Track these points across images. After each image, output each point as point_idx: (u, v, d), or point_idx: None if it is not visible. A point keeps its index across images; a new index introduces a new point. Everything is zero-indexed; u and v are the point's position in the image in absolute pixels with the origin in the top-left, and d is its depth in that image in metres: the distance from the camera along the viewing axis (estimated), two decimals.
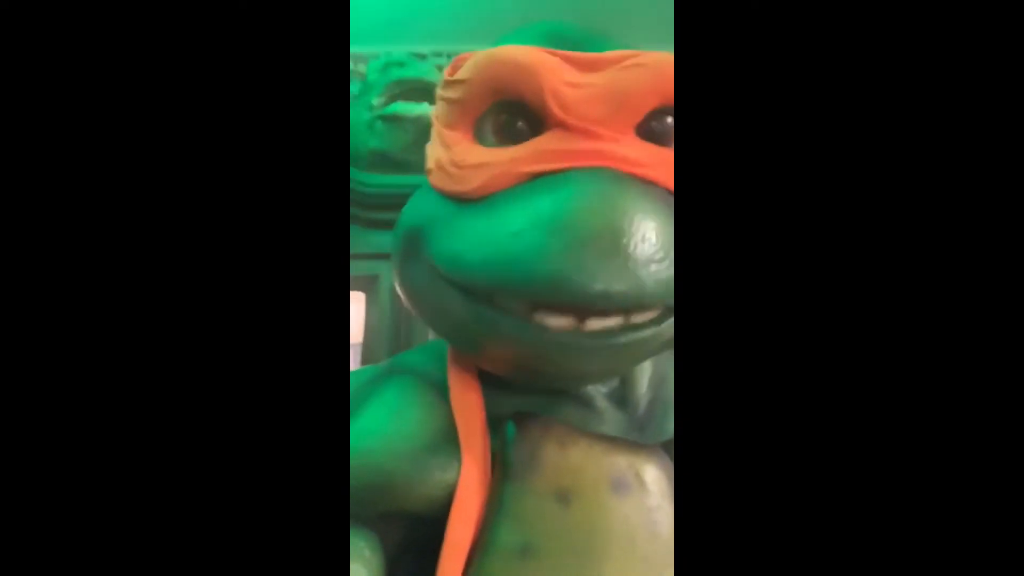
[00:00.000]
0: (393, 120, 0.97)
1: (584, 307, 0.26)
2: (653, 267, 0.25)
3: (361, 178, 0.93)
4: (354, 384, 0.33)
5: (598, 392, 0.33)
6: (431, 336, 0.49)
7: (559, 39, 0.30)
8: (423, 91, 1.00)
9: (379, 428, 0.30)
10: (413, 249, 0.30)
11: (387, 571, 0.30)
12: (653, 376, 0.34)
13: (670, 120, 0.29)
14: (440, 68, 1.03)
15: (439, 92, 0.31)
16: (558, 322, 0.26)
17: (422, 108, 0.98)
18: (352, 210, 0.91)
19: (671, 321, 0.28)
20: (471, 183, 0.28)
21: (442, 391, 0.32)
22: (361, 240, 0.89)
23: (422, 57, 1.06)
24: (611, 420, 0.32)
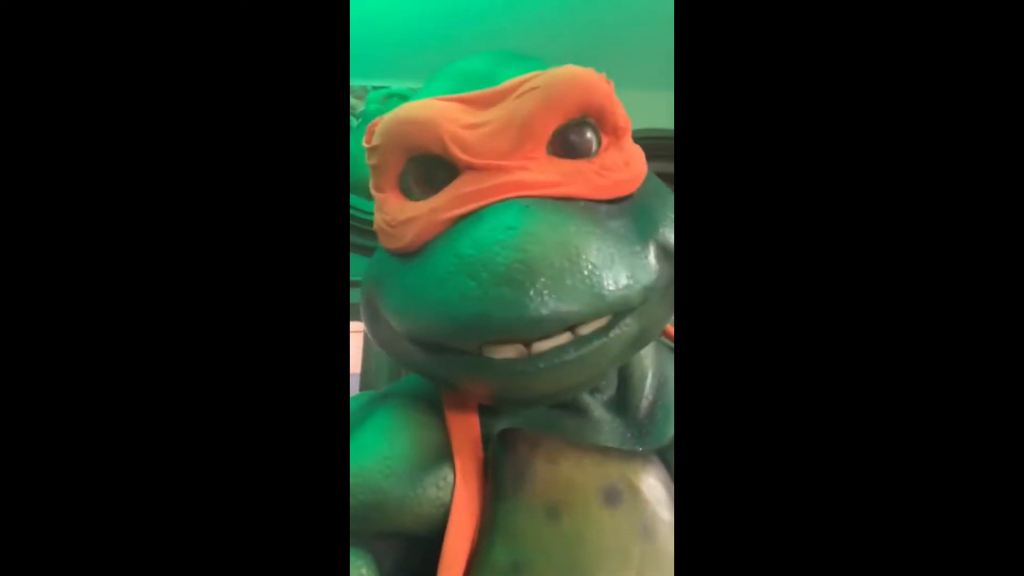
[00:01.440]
0: None
1: (519, 337, 0.26)
2: (575, 283, 0.25)
3: (361, 206, 0.94)
4: (350, 409, 0.34)
5: (596, 401, 0.33)
6: None
7: (468, 77, 0.31)
8: None
9: (374, 448, 0.30)
10: (373, 308, 0.32)
11: None
12: (653, 380, 0.34)
13: (584, 130, 0.30)
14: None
15: (366, 160, 0.32)
16: (505, 352, 0.27)
17: None
18: (352, 238, 0.92)
19: (625, 324, 0.28)
20: (404, 238, 0.30)
21: (437, 410, 0.32)
22: (360, 268, 0.90)
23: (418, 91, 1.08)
24: (608, 428, 0.32)
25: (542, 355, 0.27)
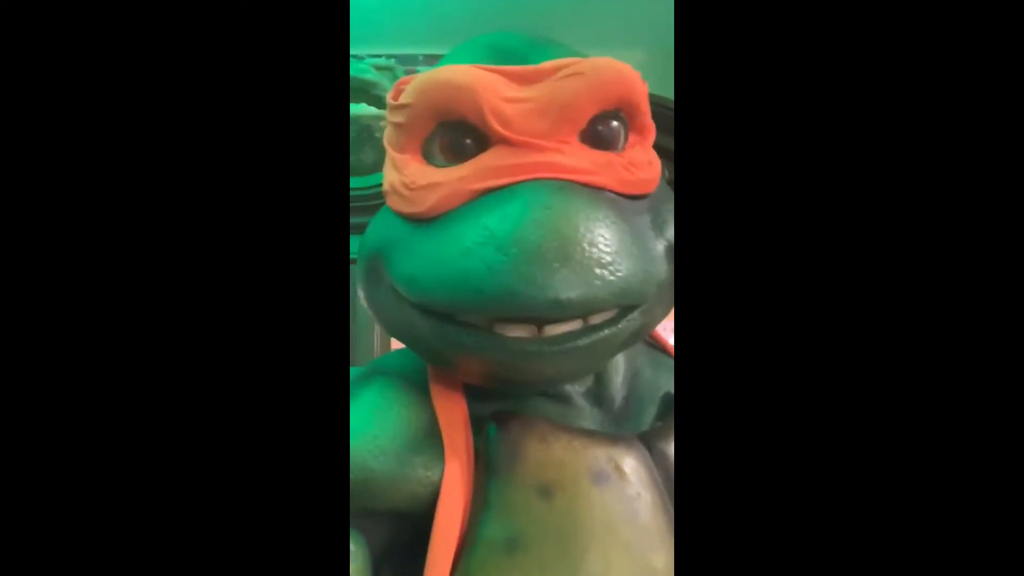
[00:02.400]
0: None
1: (538, 317, 0.27)
2: (602, 271, 0.26)
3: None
4: None
5: (575, 391, 0.34)
6: None
7: (500, 52, 0.31)
8: (360, 91, 0.99)
9: (362, 427, 0.30)
10: (375, 273, 0.31)
11: (373, 570, 0.30)
12: (626, 372, 0.35)
13: (614, 124, 0.30)
14: (378, 68, 1.02)
15: (387, 117, 0.32)
16: (517, 332, 0.27)
17: (359, 108, 0.96)
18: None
19: (631, 318, 0.29)
20: (424, 204, 0.29)
21: (424, 390, 0.32)
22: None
23: (359, 58, 1.05)
24: (589, 416, 0.33)
25: (554, 338, 0.27)
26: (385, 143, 0.32)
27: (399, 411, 0.31)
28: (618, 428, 0.33)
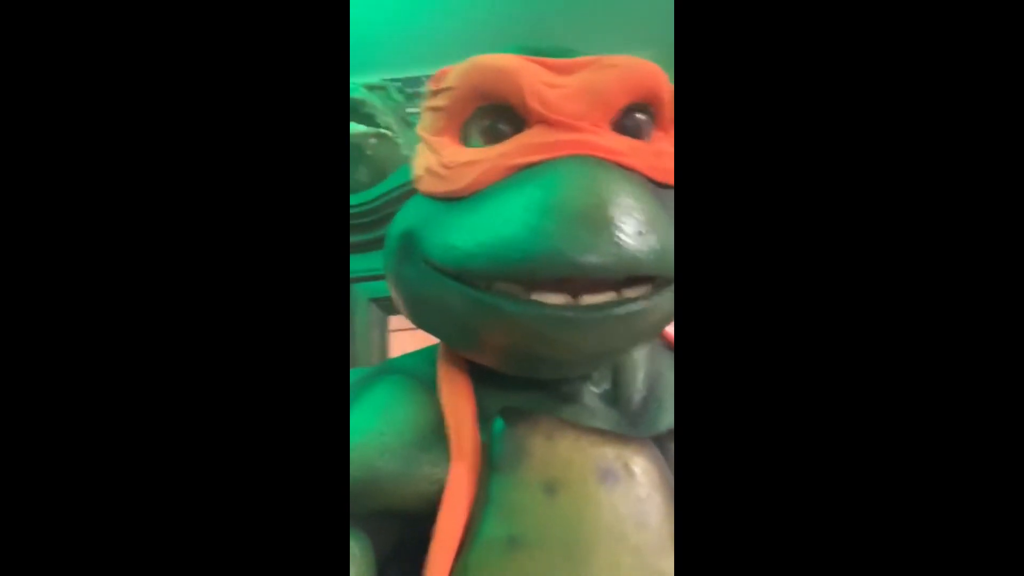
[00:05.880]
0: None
1: (579, 280, 0.27)
2: (642, 238, 0.26)
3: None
4: None
5: (590, 391, 0.33)
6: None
7: (532, 52, 0.32)
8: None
9: (369, 425, 0.29)
10: (406, 251, 0.31)
11: (378, 572, 0.29)
12: (646, 373, 0.35)
13: (642, 116, 0.31)
14: (369, 88, 1.02)
15: (425, 104, 0.33)
16: (555, 299, 0.27)
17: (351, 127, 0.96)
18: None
19: (663, 295, 0.29)
20: (462, 181, 0.30)
21: (432, 390, 0.32)
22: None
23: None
24: (601, 416, 0.32)
25: (591, 306, 0.27)
26: (419, 131, 0.33)
27: (407, 409, 0.31)
28: (633, 429, 0.32)
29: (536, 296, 0.27)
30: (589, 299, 0.27)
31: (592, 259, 0.25)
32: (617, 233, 0.26)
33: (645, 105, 0.31)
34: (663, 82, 0.31)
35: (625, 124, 0.31)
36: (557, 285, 0.27)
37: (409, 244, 0.31)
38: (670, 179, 0.31)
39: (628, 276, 0.27)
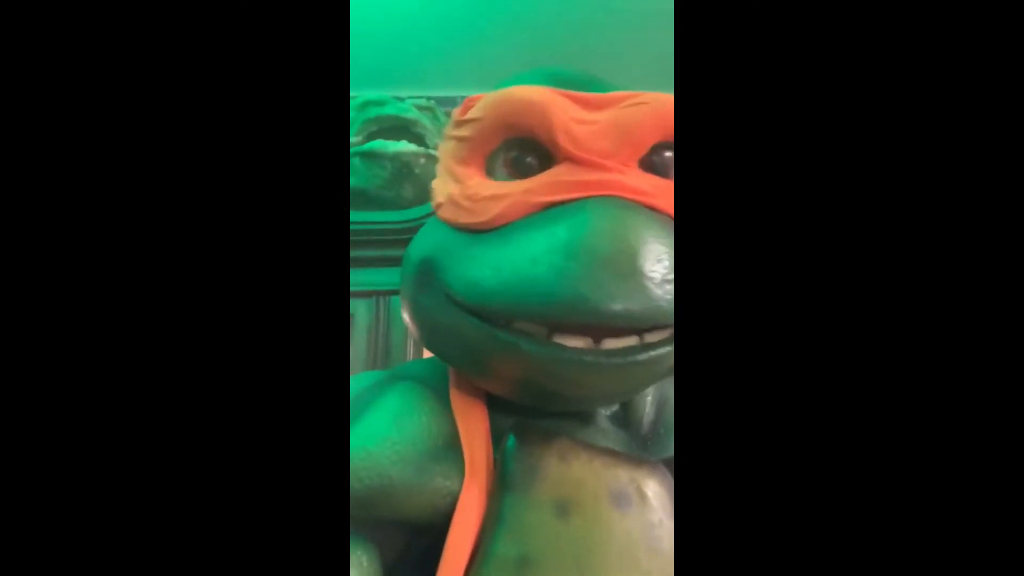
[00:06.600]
0: (370, 157, 0.97)
1: (603, 327, 0.26)
2: (667, 287, 0.26)
3: (356, 217, 0.93)
4: (354, 389, 0.33)
5: (601, 414, 0.33)
6: None
7: (561, 82, 0.32)
8: (402, 129, 1.01)
9: (382, 432, 0.29)
10: (425, 279, 0.31)
11: None
12: (655, 398, 0.34)
13: (669, 154, 0.31)
14: (419, 108, 1.05)
15: (448, 132, 0.33)
16: (576, 343, 0.27)
17: (400, 145, 0.98)
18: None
19: None
20: (486, 214, 0.29)
21: (445, 399, 0.31)
22: (356, 279, 0.88)
23: (400, 99, 1.08)
24: (613, 438, 0.32)
25: (612, 351, 0.27)
26: (443, 157, 0.32)
27: (421, 418, 0.30)
28: (644, 452, 0.32)
29: (557, 338, 0.27)
30: (611, 343, 0.27)
31: (617, 307, 0.25)
32: (643, 281, 0.25)
33: (671, 143, 0.30)
34: None
35: (653, 161, 0.30)
36: (579, 328, 0.27)
37: (428, 272, 0.31)
38: None
39: (651, 324, 0.27)
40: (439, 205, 0.31)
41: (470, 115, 0.31)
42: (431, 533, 0.28)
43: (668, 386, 0.35)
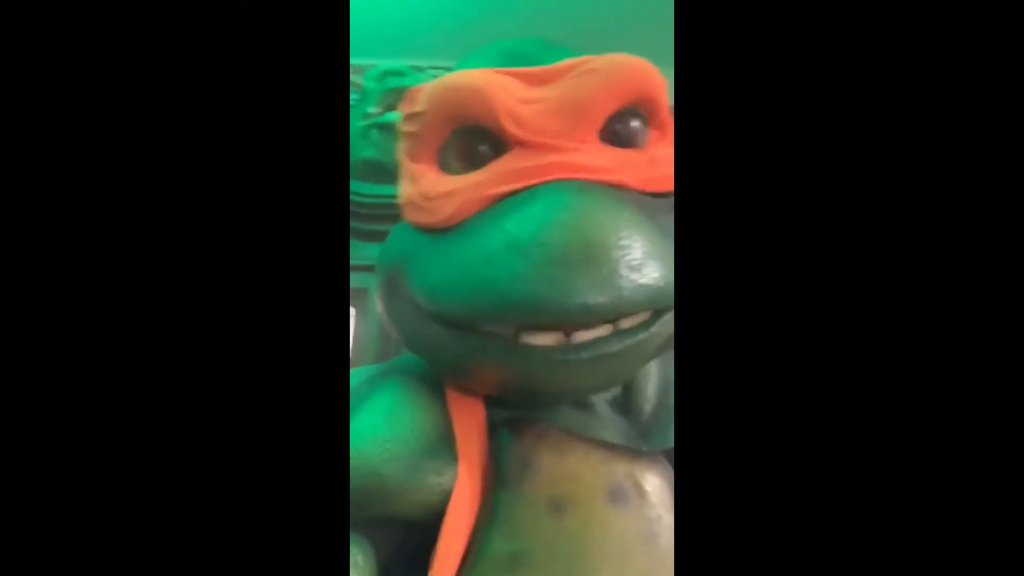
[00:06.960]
0: (389, 129, 0.95)
1: (567, 323, 0.25)
2: (631, 273, 0.24)
3: (355, 188, 0.92)
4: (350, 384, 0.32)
5: (600, 399, 0.32)
6: None
7: (514, 56, 0.30)
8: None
9: (374, 430, 0.28)
10: (394, 285, 0.30)
11: None
12: (658, 382, 0.33)
13: (633, 121, 0.29)
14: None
15: (399, 127, 0.31)
16: (544, 340, 0.26)
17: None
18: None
19: (664, 321, 0.27)
20: (441, 213, 0.28)
21: (440, 392, 0.31)
22: (353, 252, 0.88)
23: (420, 69, 1.06)
24: (612, 427, 0.31)
25: (583, 345, 0.26)
26: (399, 154, 0.31)
27: (412, 414, 0.29)
28: (644, 441, 0.31)
29: (525, 338, 0.26)
30: (582, 335, 0.26)
31: (579, 302, 0.24)
32: (606, 270, 0.24)
33: (635, 108, 0.28)
34: (653, 80, 0.28)
35: (616, 131, 0.28)
36: (546, 325, 0.26)
37: (396, 279, 0.30)
38: (668, 186, 0.28)
39: (618, 314, 0.25)
40: (402, 206, 0.30)
41: (415, 108, 0.29)
42: (424, 529, 0.28)
43: (671, 370, 0.34)
